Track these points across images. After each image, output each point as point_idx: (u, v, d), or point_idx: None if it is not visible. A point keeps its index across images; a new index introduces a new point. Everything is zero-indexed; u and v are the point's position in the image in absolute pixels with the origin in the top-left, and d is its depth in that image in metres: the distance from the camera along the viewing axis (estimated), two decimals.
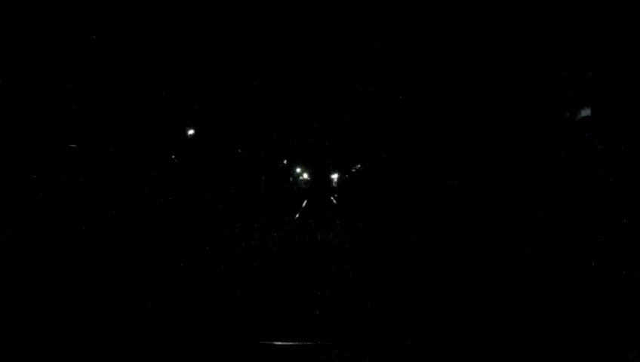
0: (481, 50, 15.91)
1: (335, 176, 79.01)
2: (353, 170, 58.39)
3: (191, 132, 25.86)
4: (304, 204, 32.75)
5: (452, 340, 5.41)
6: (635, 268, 8.00)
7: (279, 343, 5.30)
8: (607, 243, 9.54)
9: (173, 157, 24.05)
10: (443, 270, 8.90)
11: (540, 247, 10.38)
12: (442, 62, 18.94)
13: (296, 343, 5.32)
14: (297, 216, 21.89)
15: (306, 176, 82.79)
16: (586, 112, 11.65)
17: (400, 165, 30.21)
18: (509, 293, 7.21)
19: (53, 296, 7.02)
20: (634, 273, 7.77)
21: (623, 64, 10.59)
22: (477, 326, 5.83)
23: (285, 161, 60.73)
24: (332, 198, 44.71)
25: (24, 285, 7.63)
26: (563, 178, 12.14)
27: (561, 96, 12.46)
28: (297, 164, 73.30)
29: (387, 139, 34.22)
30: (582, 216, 10.88)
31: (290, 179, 68.24)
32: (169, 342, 5.36)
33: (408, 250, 11.20)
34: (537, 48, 13.05)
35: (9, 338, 5.45)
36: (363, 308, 6.54)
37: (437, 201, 19.80)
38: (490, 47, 15.29)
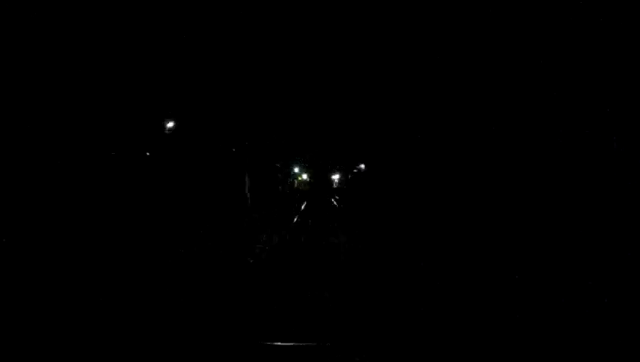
0: (483, 51, 16.34)
1: (336, 177, 78.48)
2: (355, 171, 57.91)
3: (170, 125, 23.73)
4: (303, 207, 32.11)
5: (451, 340, 5.64)
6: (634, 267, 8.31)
7: (280, 344, 5.53)
8: (606, 243, 9.91)
9: (147, 154, 21.87)
10: (449, 274, 9.11)
11: (542, 248, 10.69)
12: (448, 61, 19.34)
13: (297, 344, 5.56)
14: (295, 219, 21.21)
15: (305, 176, 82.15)
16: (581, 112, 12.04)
17: (408, 165, 29.76)
18: (507, 292, 7.46)
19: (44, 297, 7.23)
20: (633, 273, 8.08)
21: (623, 65, 10.99)
22: (477, 326, 6.07)
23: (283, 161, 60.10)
24: (333, 200, 43.94)
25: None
26: (562, 179, 12.56)
27: (562, 98, 12.86)
28: (296, 164, 72.65)
29: (393, 137, 33.84)
30: (581, 216, 11.30)
31: (290, 179, 67.61)
32: (172, 342, 5.62)
33: (417, 256, 11.21)
34: (538, 50, 13.46)
35: (9, 338, 5.65)
36: (364, 312, 6.80)
37: (449, 204, 19.76)
38: (492, 48, 15.71)
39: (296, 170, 75.75)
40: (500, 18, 14.99)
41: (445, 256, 10.79)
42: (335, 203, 39.28)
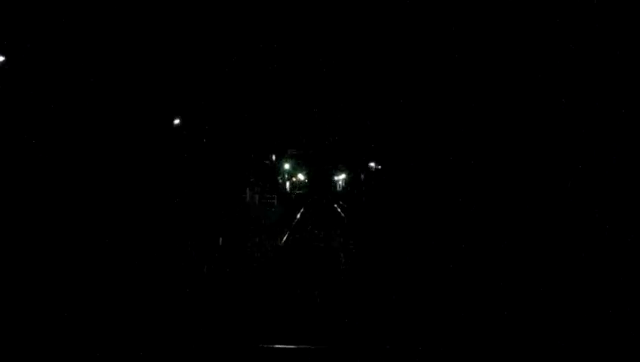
0: (490, 52, 18.46)
1: (341, 178, 71.81)
2: (370, 169, 51.41)
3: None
4: (298, 216, 28.51)
5: (448, 341, 6.41)
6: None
7: (279, 346, 6.19)
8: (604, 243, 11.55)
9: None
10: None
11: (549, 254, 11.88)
12: (455, 58, 21.61)
13: (296, 346, 6.17)
14: (285, 238, 17.20)
15: (301, 176, 74.98)
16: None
17: (439, 162, 27.21)
18: (505, 292, 8.54)
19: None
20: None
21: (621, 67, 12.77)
22: (476, 329, 6.81)
23: (274, 157, 52.83)
24: (337, 207, 39.80)
25: None
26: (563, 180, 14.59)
27: (561, 99, 14.88)
28: (288, 160, 64.72)
29: (416, 128, 31.16)
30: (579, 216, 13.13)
31: (280, 180, 60.11)
32: (174, 344, 6.32)
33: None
34: (539, 52, 15.66)
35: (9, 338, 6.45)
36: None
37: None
38: (498, 49, 17.84)
39: (287, 165, 67.30)
40: (502, 20, 17.18)
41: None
42: (341, 212, 34.65)
